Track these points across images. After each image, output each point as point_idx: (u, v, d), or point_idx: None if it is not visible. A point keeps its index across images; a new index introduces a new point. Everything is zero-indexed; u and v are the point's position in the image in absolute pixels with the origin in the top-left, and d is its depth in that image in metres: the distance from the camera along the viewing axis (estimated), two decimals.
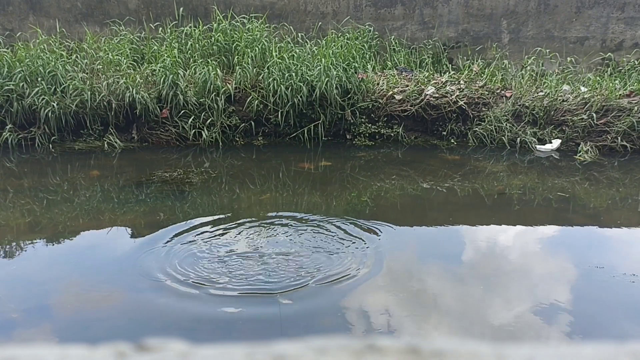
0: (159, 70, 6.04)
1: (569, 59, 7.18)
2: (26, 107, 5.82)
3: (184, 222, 3.68)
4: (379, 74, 6.82)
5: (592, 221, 4.08)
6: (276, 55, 6.32)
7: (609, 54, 7.33)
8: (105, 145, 5.88)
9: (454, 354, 0.38)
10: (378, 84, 6.48)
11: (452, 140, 6.23)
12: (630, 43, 7.43)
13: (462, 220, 3.97)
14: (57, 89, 5.89)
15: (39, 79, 5.90)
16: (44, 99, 5.76)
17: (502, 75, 6.77)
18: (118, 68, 6.24)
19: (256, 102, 6.08)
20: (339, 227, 3.56)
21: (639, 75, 6.79)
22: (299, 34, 7.11)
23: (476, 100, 6.31)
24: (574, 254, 3.38)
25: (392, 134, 6.26)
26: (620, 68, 7.22)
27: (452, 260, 3.25)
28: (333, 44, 6.65)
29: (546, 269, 3.13)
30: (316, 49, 6.64)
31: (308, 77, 6.07)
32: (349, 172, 5.31)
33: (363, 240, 3.37)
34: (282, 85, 5.99)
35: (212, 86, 6.04)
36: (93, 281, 2.93)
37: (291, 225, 3.64)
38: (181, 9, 7.28)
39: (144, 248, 3.31)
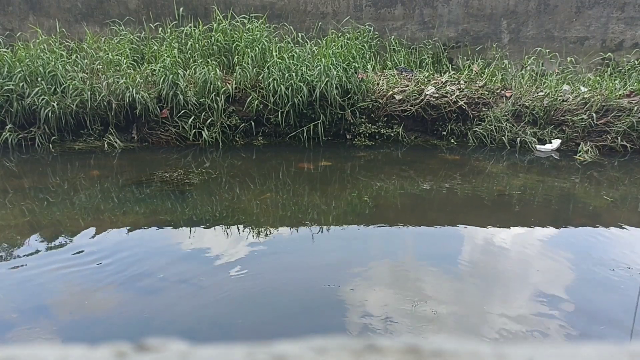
0: (159, 70, 6.04)
1: (569, 59, 7.18)
2: (26, 107, 5.82)
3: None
4: (379, 74, 6.82)
5: (592, 221, 4.08)
6: (276, 55, 6.32)
7: (609, 54, 7.33)
8: (105, 145, 5.88)
9: (454, 354, 0.38)
10: (378, 84, 6.48)
11: (452, 140, 6.23)
12: (630, 43, 7.43)
13: (461, 220, 3.98)
14: (57, 89, 5.89)
15: (39, 79, 5.90)
16: (44, 99, 5.75)
17: (502, 75, 6.77)
18: (118, 68, 6.24)
19: (256, 102, 6.08)
20: None
21: (639, 75, 6.79)
22: (299, 34, 7.11)
23: (476, 100, 6.30)
24: (574, 254, 3.37)
25: (392, 134, 6.26)
26: (620, 68, 7.22)
27: (451, 259, 3.25)
28: (333, 44, 6.65)
29: (546, 269, 3.13)
30: (316, 49, 6.64)
31: (308, 77, 6.07)
32: (349, 172, 5.31)
33: None
34: (282, 85, 5.99)
35: (212, 86, 6.04)
36: (94, 281, 2.93)
37: None
38: (181, 9, 7.28)
39: (143, 248, 3.31)
